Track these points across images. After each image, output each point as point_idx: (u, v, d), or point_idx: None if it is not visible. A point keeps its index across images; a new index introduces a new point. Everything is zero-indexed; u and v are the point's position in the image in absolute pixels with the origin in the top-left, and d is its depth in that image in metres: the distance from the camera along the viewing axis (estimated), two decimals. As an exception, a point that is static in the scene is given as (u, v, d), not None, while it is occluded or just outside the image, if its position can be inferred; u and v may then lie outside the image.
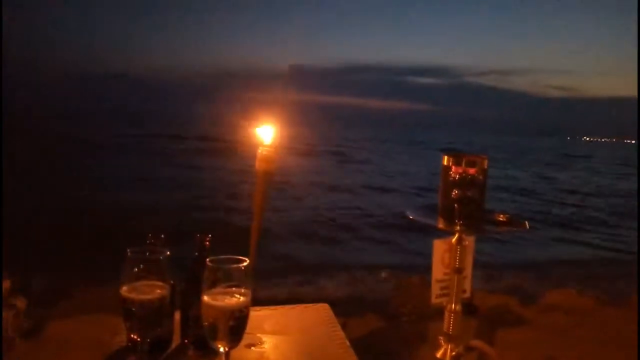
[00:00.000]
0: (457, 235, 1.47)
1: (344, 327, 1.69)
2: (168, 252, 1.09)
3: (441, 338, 1.49)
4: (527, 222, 1.46)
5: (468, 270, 1.56)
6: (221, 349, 1.05)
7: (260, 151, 1.82)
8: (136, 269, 1.06)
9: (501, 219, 1.49)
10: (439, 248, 1.51)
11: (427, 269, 1.56)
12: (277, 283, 5.74)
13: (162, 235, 1.25)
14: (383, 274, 6.29)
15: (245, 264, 1.05)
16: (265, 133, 1.82)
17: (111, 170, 17.21)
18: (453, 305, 1.49)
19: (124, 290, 1.05)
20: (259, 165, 1.81)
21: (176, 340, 1.40)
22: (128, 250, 1.06)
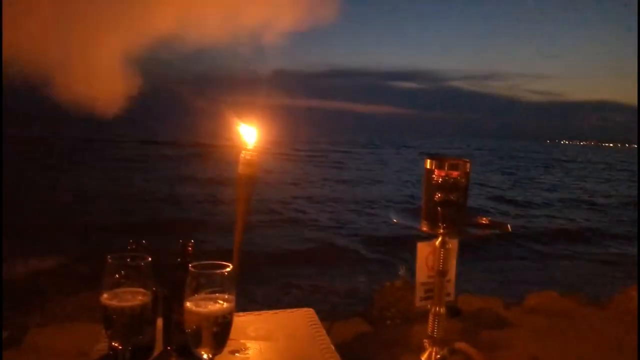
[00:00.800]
0: (440, 238, 1.47)
1: (329, 331, 1.68)
2: (150, 258, 1.08)
3: (426, 341, 1.49)
4: (509, 225, 1.48)
5: (452, 273, 1.57)
6: (205, 356, 1.03)
7: (243, 155, 1.81)
8: (117, 276, 1.05)
9: (484, 222, 1.50)
10: (423, 251, 1.52)
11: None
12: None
13: (144, 241, 1.23)
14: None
15: (228, 269, 1.04)
16: (248, 136, 1.81)
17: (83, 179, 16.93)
18: (437, 308, 1.49)
19: (105, 297, 1.03)
20: (241, 169, 1.80)
21: (159, 348, 1.38)
22: (108, 256, 1.04)
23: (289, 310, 1.80)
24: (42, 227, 8.83)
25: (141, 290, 1.06)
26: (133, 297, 1.05)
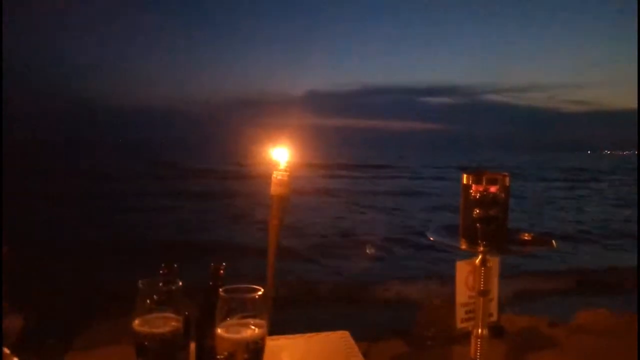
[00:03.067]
0: (480, 256, 1.41)
1: (366, 354, 1.62)
2: (181, 283, 1.06)
3: (468, 365, 1.42)
4: (554, 241, 1.40)
5: (494, 293, 1.49)
6: (237, 383, 1.00)
7: (275, 175, 1.80)
8: (149, 301, 1.03)
9: (526, 238, 1.43)
10: (462, 270, 1.45)
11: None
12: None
13: (175, 265, 1.22)
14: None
15: (259, 293, 1.01)
16: (280, 157, 1.80)
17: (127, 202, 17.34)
18: (479, 330, 1.42)
19: (137, 323, 1.02)
20: (274, 189, 1.79)
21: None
22: (140, 281, 1.03)
23: (323, 333, 1.75)
24: (95, 245, 9.02)
25: (173, 315, 1.04)
26: (165, 323, 1.03)
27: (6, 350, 0.61)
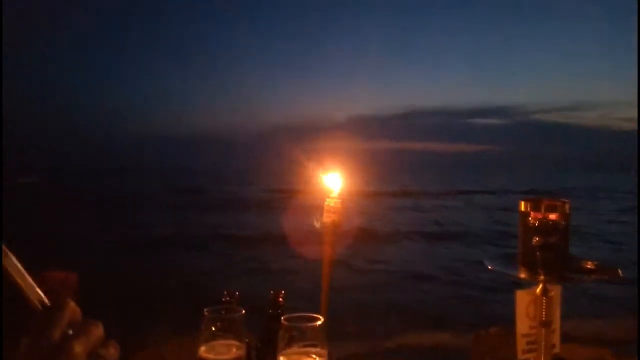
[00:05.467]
0: (541, 286, 1.37)
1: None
2: (243, 311, 1.10)
3: (531, 399, 1.37)
4: (619, 270, 1.35)
5: (556, 323, 1.44)
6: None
7: (327, 203, 1.82)
8: (213, 328, 1.08)
9: (589, 266, 1.38)
10: (523, 300, 1.41)
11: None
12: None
13: (237, 293, 1.26)
14: None
15: (319, 322, 1.03)
16: (332, 184, 1.82)
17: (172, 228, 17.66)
18: (542, 362, 1.37)
19: (202, 350, 1.06)
20: (326, 217, 1.81)
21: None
22: (205, 310, 1.07)
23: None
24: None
25: (235, 342, 1.08)
26: (228, 350, 1.07)
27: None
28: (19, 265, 0.61)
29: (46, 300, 0.63)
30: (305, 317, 1.04)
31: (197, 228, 17.46)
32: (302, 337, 1.03)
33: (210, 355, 1.05)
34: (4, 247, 0.59)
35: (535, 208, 1.30)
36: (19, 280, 0.61)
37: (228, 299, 1.26)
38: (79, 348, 0.60)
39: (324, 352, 1.02)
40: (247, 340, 1.14)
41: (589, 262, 1.39)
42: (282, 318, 1.04)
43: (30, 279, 0.62)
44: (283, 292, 1.29)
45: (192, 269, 10.92)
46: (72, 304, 0.63)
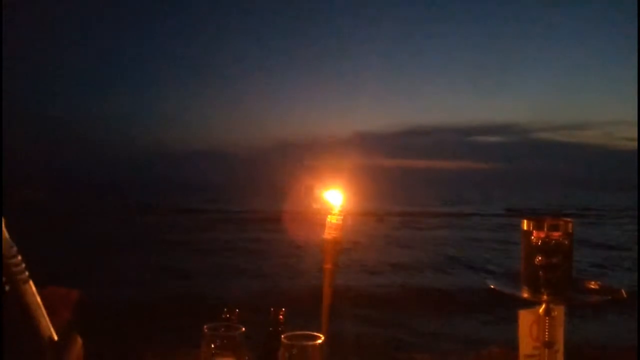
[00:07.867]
0: (544, 306, 1.36)
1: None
2: (243, 329, 1.09)
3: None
4: (623, 290, 1.34)
5: (560, 344, 1.43)
6: None
7: (329, 219, 1.82)
8: (212, 345, 1.06)
9: (593, 287, 1.37)
10: (525, 319, 1.40)
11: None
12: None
13: (237, 310, 1.25)
14: None
15: (319, 341, 1.02)
16: (333, 200, 1.82)
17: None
18: (546, 384, 1.35)
19: (201, 368, 1.05)
20: (327, 233, 1.80)
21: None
22: (205, 327, 1.06)
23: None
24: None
25: (235, 360, 1.07)
26: (227, 368, 1.05)
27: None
28: (38, 299, 0.61)
29: (55, 335, 0.63)
30: (306, 336, 1.03)
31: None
32: (302, 355, 1.01)
33: (210, 373, 1.04)
34: (31, 283, 0.59)
35: (538, 227, 1.30)
36: (35, 314, 0.61)
37: (228, 316, 1.25)
38: None
39: (325, 371, 1.01)
40: (247, 358, 1.13)
41: (592, 282, 1.38)
42: (283, 336, 1.03)
43: (45, 313, 0.62)
44: (283, 309, 1.28)
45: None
46: (79, 340, 0.63)
